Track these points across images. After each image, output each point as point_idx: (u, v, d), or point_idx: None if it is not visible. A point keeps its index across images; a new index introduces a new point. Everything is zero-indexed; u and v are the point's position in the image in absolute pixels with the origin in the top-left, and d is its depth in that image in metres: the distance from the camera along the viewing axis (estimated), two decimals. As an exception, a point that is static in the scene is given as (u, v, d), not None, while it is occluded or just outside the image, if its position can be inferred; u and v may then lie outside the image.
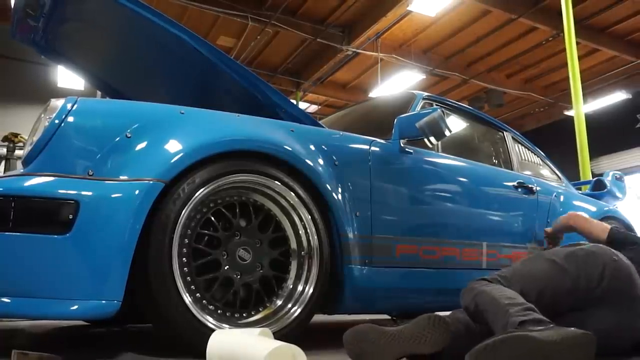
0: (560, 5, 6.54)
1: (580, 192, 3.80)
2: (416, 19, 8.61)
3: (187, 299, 1.53)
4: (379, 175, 2.13)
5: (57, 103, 1.59)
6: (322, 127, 2.22)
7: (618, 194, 3.88)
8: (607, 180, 3.89)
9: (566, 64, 6.39)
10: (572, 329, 1.29)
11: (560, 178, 3.51)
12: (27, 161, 1.57)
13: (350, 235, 1.94)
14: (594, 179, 4.12)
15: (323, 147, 1.99)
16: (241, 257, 1.71)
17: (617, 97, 10.41)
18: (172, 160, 1.56)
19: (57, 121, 1.54)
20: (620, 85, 10.37)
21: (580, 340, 1.26)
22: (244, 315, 1.69)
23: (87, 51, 2.64)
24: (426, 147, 2.35)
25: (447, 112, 2.83)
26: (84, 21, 2.33)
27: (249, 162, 1.74)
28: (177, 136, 1.63)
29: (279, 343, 1.26)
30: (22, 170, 1.57)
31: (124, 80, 2.75)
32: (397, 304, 2.42)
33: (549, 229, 2.48)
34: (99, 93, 4.84)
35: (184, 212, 1.57)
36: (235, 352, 1.27)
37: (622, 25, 8.84)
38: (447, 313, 1.66)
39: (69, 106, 1.57)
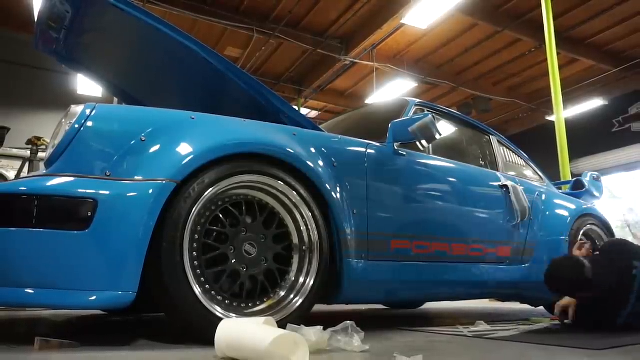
0: (542, 19, 6.54)
1: (560, 191, 3.79)
2: (409, 31, 8.60)
3: (197, 290, 1.53)
4: (374, 176, 2.13)
5: (77, 109, 1.60)
6: (322, 131, 2.22)
7: (596, 193, 3.87)
8: (586, 180, 3.88)
9: (548, 72, 6.39)
10: None
11: (542, 178, 3.50)
12: (49, 163, 1.57)
13: (348, 231, 1.94)
14: (574, 179, 4.10)
15: (323, 149, 1.99)
16: (247, 251, 1.71)
17: (595, 103, 10.40)
18: (184, 162, 1.56)
19: (77, 126, 1.55)
20: (598, 93, 10.36)
21: None
22: (250, 305, 1.69)
23: (105, 60, 2.64)
24: (418, 149, 2.36)
25: (438, 117, 2.83)
26: (102, 33, 2.33)
27: (254, 164, 1.74)
28: (188, 140, 1.63)
29: (282, 331, 1.26)
30: (44, 171, 1.57)
31: (139, 87, 2.75)
32: (392, 295, 2.42)
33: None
34: (115, 100, 4.85)
35: (195, 210, 1.57)
36: (241, 339, 1.27)
37: (600, 37, 8.84)
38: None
39: (88, 112, 1.57)
